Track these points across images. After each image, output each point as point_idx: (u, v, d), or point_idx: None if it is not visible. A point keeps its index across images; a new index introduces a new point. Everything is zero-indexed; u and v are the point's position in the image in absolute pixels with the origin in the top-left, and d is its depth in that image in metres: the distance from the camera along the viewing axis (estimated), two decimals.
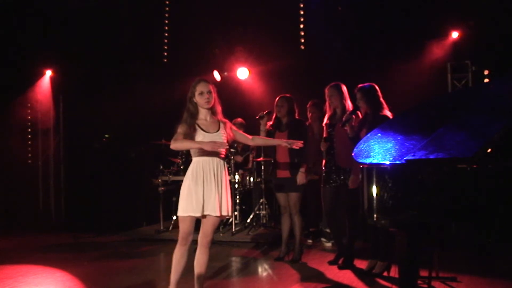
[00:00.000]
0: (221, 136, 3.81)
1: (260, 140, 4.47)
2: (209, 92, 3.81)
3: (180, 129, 3.75)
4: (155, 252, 6.32)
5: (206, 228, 3.80)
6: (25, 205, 8.98)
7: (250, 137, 4.18)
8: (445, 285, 4.36)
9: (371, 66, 7.45)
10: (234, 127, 4.01)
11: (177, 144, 3.71)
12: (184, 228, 3.77)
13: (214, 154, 3.77)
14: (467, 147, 2.99)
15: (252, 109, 8.31)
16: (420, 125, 3.50)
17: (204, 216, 3.77)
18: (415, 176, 2.99)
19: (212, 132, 3.79)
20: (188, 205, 3.71)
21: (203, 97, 3.80)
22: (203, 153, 3.75)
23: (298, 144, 3.94)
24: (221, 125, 3.87)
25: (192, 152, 3.86)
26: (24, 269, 5.35)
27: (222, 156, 3.84)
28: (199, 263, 3.82)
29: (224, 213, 3.79)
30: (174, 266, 3.84)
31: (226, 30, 8.63)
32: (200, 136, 3.75)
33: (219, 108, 3.91)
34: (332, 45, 7.91)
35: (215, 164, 3.77)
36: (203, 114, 3.85)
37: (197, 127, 3.78)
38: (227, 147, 3.73)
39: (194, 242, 3.88)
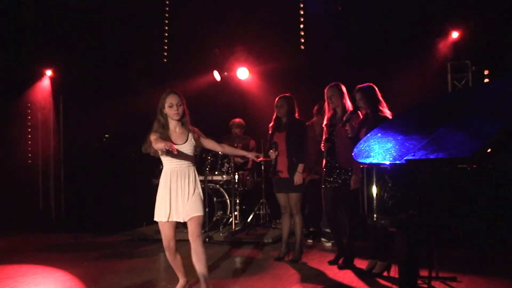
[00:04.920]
0: (189, 147, 3.93)
1: (228, 149, 4.52)
2: (179, 104, 3.91)
3: (154, 136, 3.85)
4: (155, 252, 6.32)
5: (191, 229, 3.89)
6: (25, 205, 8.97)
7: (219, 145, 4.24)
8: (445, 285, 4.36)
9: (371, 66, 7.45)
10: (202, 136, 4.08)
11: (155, 145, 3.78)
12: (164, 233, 3.95)
13: (182, 162, 3.89)
14: (467, 147, 2.99)
15: (252, 109, 8.32)
16: (420, 125, 3.50)
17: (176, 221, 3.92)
18: (415, 176, 2.99)
19: (180, 144, 3.89)
20: (159, 211, 3.90)
21: (172, 109, 3.90)
22: (171, 162, 3.89)
23: (258, 158, 4.29)
24: (190, 135, 3.97)
25: (162, 160, 3.97)
26: (24, 269, 5.34)
27: (192, 163, 3.95)
28: (198, 259, 3.86)
29: (196, 213, 3.85)
30: (172, 265, 4.10)
31: (226, 30, 8.63)
32: None
33: (187, 118, 4.01)
34: (332, 45, 7.91)
35: (183, 173, 3.89)
36: (173, 125, 3.96)
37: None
38: (174, 152, 3.69)
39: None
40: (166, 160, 3.93)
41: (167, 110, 3.92)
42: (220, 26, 8.57)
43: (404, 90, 6.86)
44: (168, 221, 3.89)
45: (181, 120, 3.97)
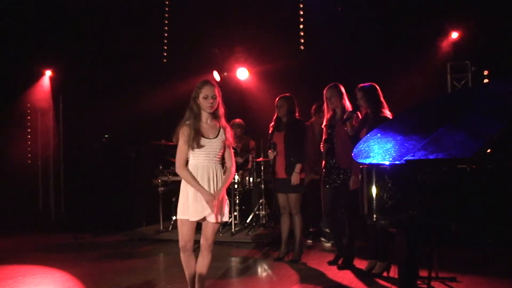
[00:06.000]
0: (220, 142, 3.73)
1: (224, 176, 3.91)
2: (214, 96, 3.73)
3: (182, 140, 3.66)
4: (155, 252, 6.32)
5: (206, 232, 3.75)
6: (25, 205, 8.98)
7: (231, 168, 3.89)
8: (445, 285, 4.36)
9: (371, 66, 7.45)
10: (230, 142, 3.83)
11: (181, 174, 3.66)
12: (183, 233, 3.71)
13: (210, 157, 3.71)
14: (467, 147, 2.99)
15: (252, 109, 8.32)
16: (420, 125, 3.50)
17: (204, 219, 3.71)
18: (414, 176, 2.99)
19: (212, 138, 3.70)
20: (184, 209, 3.67)
21: (207, 101, 3.71)
22: (199, 156, 3.69)
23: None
24: (221, 130, 3.77)
25: (189, 154, 3.73)
26: (23, 269, 5.34)
27: (218, 159, 3.77)
28: (200, 265, 3.78)
29: (223, 219, 3.73)
30: (185, 269, 3.82)
31: (226, 30, 8.63)
32: (199, 141, 3.68)
33: (221, 111, 3.82)
34: (332, 45, 7.91)
35: (211, 169, 3.69)
36: (205, 117, 3.76)
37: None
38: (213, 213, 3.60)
39: (196, 242, 3.85)
40: (193, 154, 3.70)
41: (201, 101, 3.72)
42: (220, 26, 8.57)
43: (404, 90, 6.86)
44: (189, 220, 3.66)
45: (214, 113, 3.78)
